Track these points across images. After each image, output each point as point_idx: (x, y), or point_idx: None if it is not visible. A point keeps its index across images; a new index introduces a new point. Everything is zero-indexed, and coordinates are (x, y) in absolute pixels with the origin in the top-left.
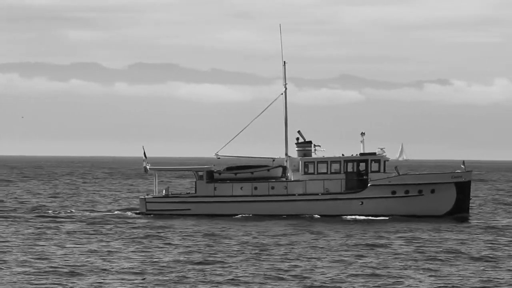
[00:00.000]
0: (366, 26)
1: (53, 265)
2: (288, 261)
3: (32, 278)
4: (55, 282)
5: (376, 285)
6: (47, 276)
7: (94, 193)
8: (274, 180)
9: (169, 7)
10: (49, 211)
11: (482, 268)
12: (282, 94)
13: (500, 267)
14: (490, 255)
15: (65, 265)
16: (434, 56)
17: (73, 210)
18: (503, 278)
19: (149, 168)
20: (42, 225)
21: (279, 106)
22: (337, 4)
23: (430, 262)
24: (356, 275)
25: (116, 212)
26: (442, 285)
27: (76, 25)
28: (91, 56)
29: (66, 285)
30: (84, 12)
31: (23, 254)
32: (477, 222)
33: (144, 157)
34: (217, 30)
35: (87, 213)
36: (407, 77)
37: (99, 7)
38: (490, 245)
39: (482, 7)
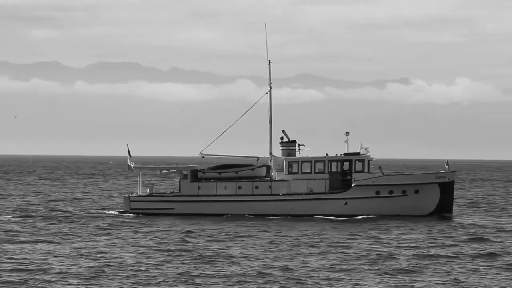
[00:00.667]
0: (327, 25)
1: (38, 266)
2: (268, 260)
3: (19, 279)
4: (42, 280)
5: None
6: (32, 277)
7: (68, 192)
8: (258, 180)
9: (130, 7)
10: (32, 211)
11: (465, 267)
12: (266, 93)
13: (485, 266)
14: (474, 254)
15: (50, 265)
16: (396, 56)
17: (55, 210)
18: (486, 275)
19: (134, 166)
20: (25, 224)
21: (258, 104)
22: (298, 4)
23: (414, 261)
24: (338, 276)
25: (95, 211)
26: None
27: (38, 24)
28: (53, 55)
29: (52, 285)
30: (46, 11)
31: (8, 254)
32: (460, 222)
33: (128, 156)
34: (177, 29)
35: (68, 213)
36: (369, 76)
37: (61, 6)
38: (475, 244)
39: (443, 7)
